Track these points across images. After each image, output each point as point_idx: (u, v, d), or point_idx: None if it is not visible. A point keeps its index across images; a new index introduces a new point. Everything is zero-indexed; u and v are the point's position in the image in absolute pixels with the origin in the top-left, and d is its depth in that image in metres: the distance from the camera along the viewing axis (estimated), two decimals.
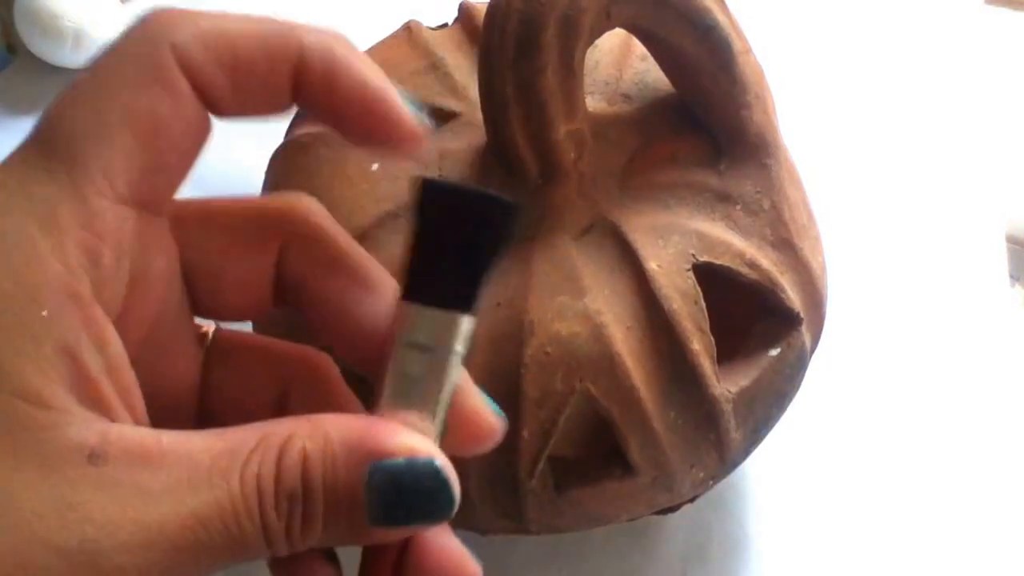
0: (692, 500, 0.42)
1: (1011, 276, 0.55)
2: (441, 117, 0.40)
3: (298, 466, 0.20)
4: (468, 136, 0.39)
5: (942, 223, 0.57)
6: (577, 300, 0.35)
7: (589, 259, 0.36)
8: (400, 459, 0.21)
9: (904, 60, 0.66)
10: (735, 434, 0.37)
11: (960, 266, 0.55)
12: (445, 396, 0.22)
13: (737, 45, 0.37)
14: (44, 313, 0.19)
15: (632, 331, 0.35)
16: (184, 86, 0.21)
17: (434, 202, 0.22)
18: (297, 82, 0.22)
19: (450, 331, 0.22)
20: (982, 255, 0.55)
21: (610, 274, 0.36)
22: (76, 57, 0.61)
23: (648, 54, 0.39)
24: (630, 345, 0.35)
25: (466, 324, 0.22)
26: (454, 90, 0.41)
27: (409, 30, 0.44)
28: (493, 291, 0.35)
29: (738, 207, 0.38)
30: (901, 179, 0.59)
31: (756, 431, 0.38)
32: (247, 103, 0.22)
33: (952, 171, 0.60)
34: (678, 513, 0.44)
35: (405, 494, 0.21)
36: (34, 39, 0.61)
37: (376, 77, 0.23)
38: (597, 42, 0.37)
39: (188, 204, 0.24)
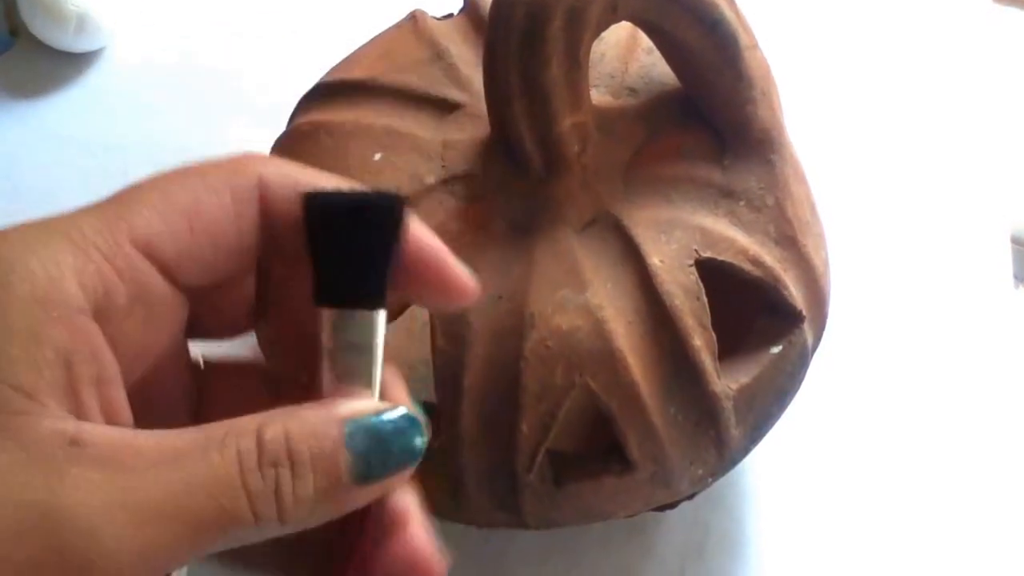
0: (691, 497, 0.42)
1: (1015, 277, 0.55)
2: (445, 108, 0.41)
3: (281, 438, 0.21)
4: (472, 127, 0.39)
5: (947, 223, 0.57)
6: (578, 294, 0.35)
7: (591, 253, 0.36)
8: (372, 415, 0.22)
9: (911, 58, 0.66)
10: (735, 431, 0.37)
11: (964, 266, 0.55)
12: (375, 388, 0.24)
13: (744, 40, 0.37)
14: (50, 321, 0.20)
15: (633, 326, 0.35)
16: (252, 207, 0.23)
17: (323, 212, 0.23)
18: None
19: (371, 328, 0.23)
20: (986, 255, 0.55)
21: (612, 268, 0.36)
22: (79, 41, 0.61)
23: (654, 48, 0.39)
24: (631, 340, 0.35)
25: (382, 318, 0.24)
26: (458, 81, 0.41)
27: (414, 19, 0.44)
28: (494, 283, 0.36)
29: (742, 203, 0.38)
30: (906, 178, 0.59)
31: (756, 429, 0.38)
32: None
33: (958, 171, 0.60)
34: (676, 510, 0.44)
35: (385, 441, 0.22)
36: (37, 22, 0.61)
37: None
38: (603, 35, 0.37)
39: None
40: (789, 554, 0.45)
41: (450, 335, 0.35)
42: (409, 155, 0.39)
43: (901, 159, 0.60)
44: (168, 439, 0.21)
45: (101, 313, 0.21)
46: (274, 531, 0.21)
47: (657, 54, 0.39)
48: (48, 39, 0.61)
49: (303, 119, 0.42)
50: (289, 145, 0.41)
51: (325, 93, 0.42)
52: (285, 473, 0.21)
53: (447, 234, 0.37)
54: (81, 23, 0.60)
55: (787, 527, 0.46)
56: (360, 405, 0.23)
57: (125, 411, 0.22)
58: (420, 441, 0.23)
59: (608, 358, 0.35)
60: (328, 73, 0.44)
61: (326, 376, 0.24)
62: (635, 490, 0.37)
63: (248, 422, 0.21)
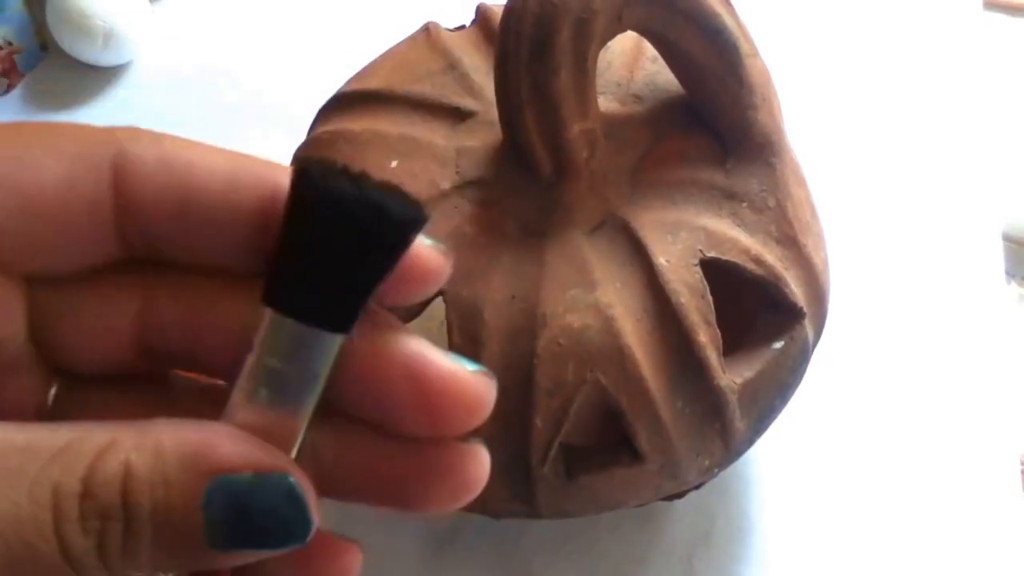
0: (698, 487, 0.42)
1: (1007, 273, 0.55)
2: (458, 116, 0.41)
3: (117, 480, 0.16)
4: (484, 134, 0.40)
5: (941, 221, 0.57)
6: (588, 293, 0.35)
7: (600, 254, 0.37)
8: (246, 474, 0.17)
9: (904, 63, 0.66)
10: (739, 424, 0.37)
11: (958, 263, 0.55)
12: (303, 418, 0.19)
13: (745, 48, 0.38)
14: None
15: (641, 323, 0.36)
16: (102, 184, 0.18)
17: (318, 191, 0.18)
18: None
19: (323, 353, 0.18)
20: (979, 253, 0.56)
21: (620, 268, 0.36)
22: (106, 55, 0.62)
23: (658, 56, 0.39)
24: (639, 337, 0.35)
25: (336, 346, 0.19)
26: (471, 90, 0.41)
27: (428, 31, 0.44)
28: (508, 284, 0.36)
29: (744, 204, 0.38)
30: (901, 178, 0.59)
31: (760, 421, 0.39)
32: (192, 244, 0.19)
33: (951, 171, 0.60)
34: (684, 499, 0.44)
35: (252, 515, 0.17)
36: (65, 37, 0.62)
37: None
38: (609, 44, 0.37)
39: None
40: (792, 540, 0.46)
41: (466, 334, 0.36)
42: (425, 162, 0.39)
43: (896, 161, 0.60)
44: None
45: None
46: None
47: (661, 62, 0.40)
48: (77, 53, 0.62)
49: (323, 128, 0.42)
50: (309, 153, 0.42)
51: (343, 103, 0.43)
52: (115, 527, 0.16)
53: (462, 237, 0.37)
54: (108, 38, 0.61)
55: (790, 515, 0.47)
56: (238, 453, 0.17)
57: None
58: (301, 523, 0.17)
59: (617, 355, 0.35)
60: (346, 84, 0.44)
61: (241, 388, 0.18)
62: (644, 481, 0.37)
63: (97, 438, 0.17)
